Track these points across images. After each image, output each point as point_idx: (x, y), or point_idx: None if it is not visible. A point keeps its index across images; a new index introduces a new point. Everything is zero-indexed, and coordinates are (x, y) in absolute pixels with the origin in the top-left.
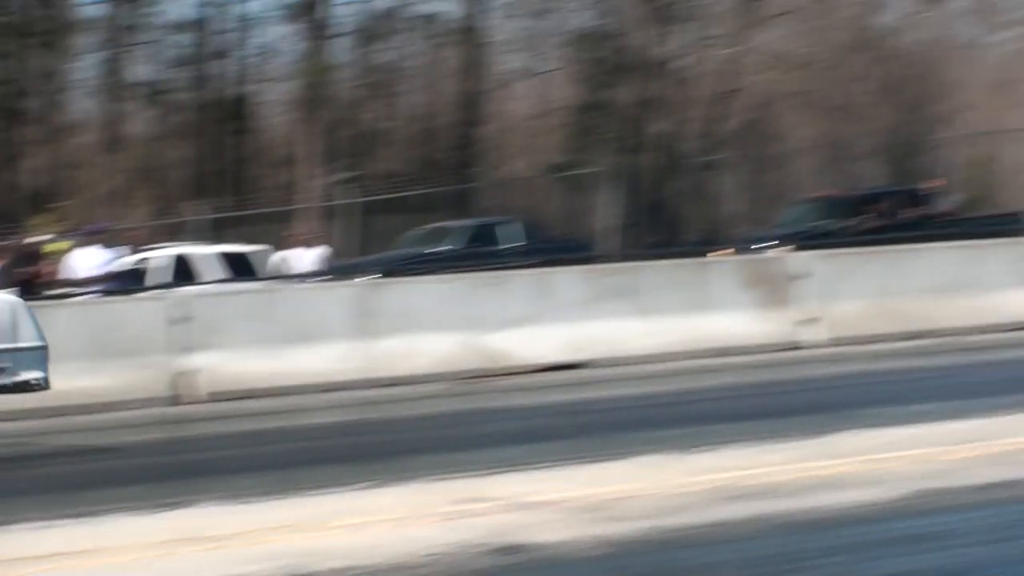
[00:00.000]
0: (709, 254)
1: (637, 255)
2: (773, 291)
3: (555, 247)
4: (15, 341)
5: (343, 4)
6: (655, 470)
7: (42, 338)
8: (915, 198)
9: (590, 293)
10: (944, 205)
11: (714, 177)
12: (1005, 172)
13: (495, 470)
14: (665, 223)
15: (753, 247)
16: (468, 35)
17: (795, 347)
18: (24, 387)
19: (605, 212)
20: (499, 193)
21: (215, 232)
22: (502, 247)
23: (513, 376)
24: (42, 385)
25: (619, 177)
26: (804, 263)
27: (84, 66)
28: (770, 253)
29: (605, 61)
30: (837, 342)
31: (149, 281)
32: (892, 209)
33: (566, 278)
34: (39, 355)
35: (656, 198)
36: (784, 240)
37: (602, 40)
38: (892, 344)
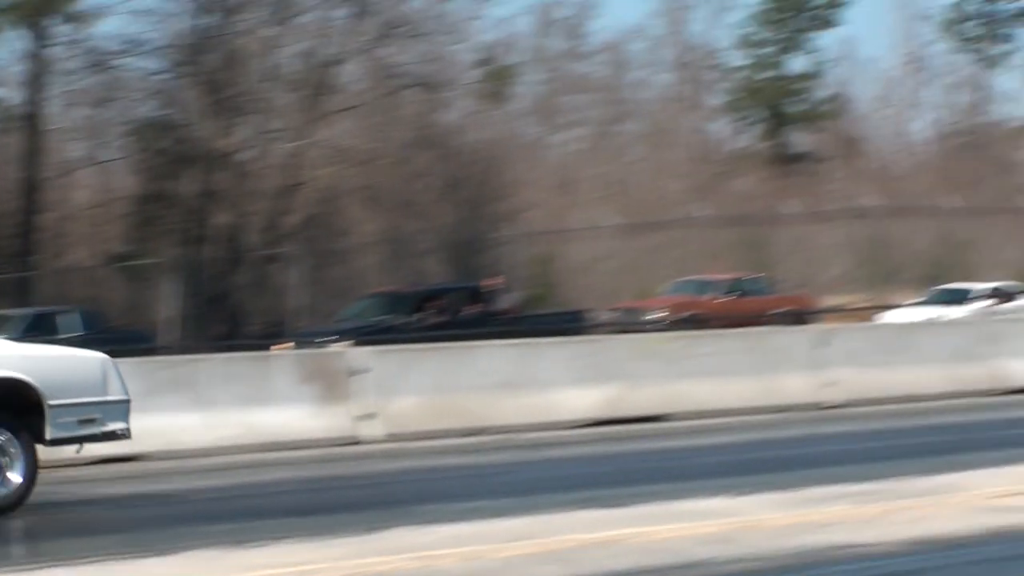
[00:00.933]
0: (272, 347)
1: (198, 347)
2: (333, 386)
3: (114, 337)
4: (105, 395)
5: None
6: (207, 565)
7: (126, 392)
8: (476, 295)
9: (146, 385)
10: (504, 303)
11: (278, 270)
12: (566, 271)
13: (40, 565)
14: (228, 315)
15: (315, 341)
16: (29, 121)
17: (355, 442)
18: (111, 436)
19: (167, 303)
20: (60, 282)
21: None
22: (60, 336)
23: (65, 468)
24: (126, 435)
25: (181, 268)
26: (363, 358)
27: None
28: (331, 348)
29: (168, 151)
30: (395, 438)
31: None
32: (453, 305)
33: (122, 369)
34: (124, 408)
35: (219, 290)
36: (345, 335)
37: (166, 130)
38: (450, 440)
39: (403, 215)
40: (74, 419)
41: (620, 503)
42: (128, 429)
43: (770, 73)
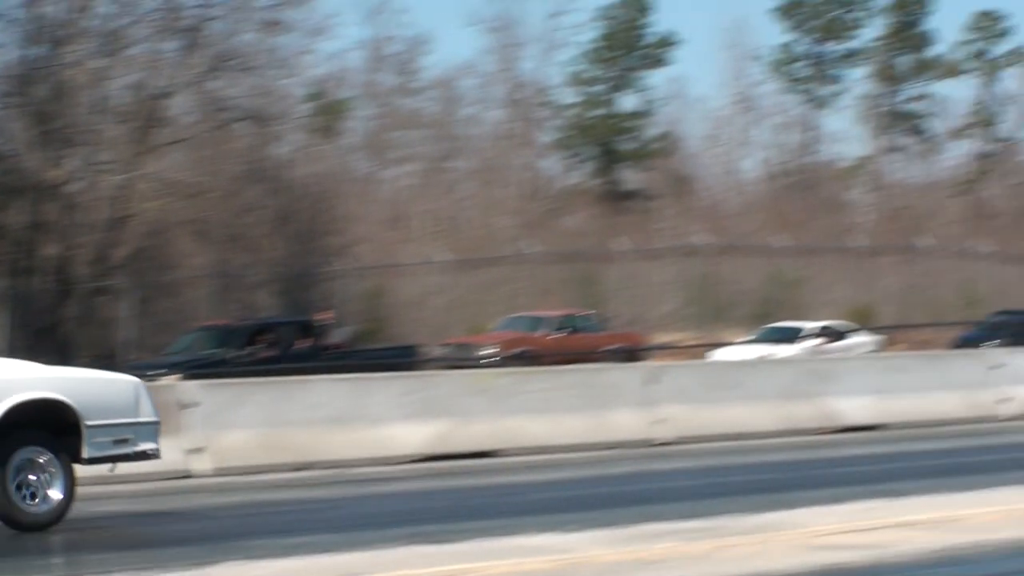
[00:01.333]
0: None
1: None
2: (163, 419)
3: None
4: (137, 416)
5: None
6: None
7: (156, 414)
8: (307, 329)
9: None
10: (336, 337)
11: (107, 303)
12: (397, 305)
13: None
14: (57, 348)
15: (146, 374)
16: None
17: (187, 476)
18: (142, 456)
19: None
20: None
21: None
22: None
23: None
24: (156, 455)
25: (9, 300)
26: (193, 392)
27: None
28: (161, 381)
29: None
30: (224, 472)
31: None
32: (284, 339)
33: None
34: (154, 429)
35: (48, 322)
36: (176, 368)
37: None
38: (280, 475)
39: (233, 248)
40: (109, 439)
41: (449, 539)
42: (158, 449)
43: (601, 111)
